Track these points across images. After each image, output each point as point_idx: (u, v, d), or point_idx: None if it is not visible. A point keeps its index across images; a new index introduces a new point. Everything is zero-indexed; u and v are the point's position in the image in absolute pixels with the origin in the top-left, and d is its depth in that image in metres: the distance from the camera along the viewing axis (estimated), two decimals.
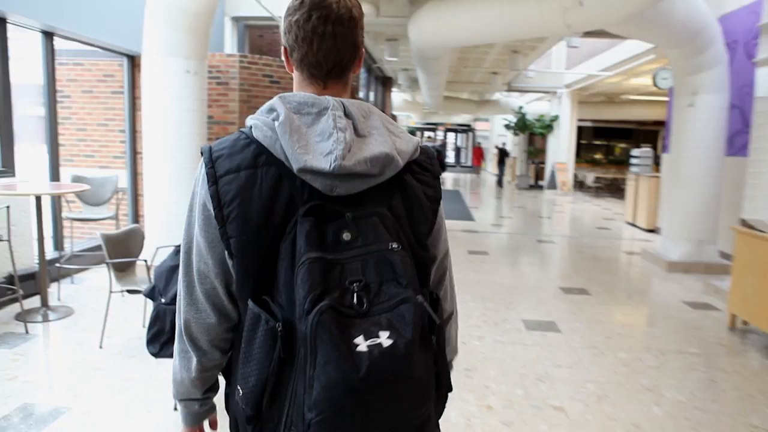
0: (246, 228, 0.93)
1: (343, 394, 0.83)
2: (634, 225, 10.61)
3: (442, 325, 1.05)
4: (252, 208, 0.93)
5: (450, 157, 34.71)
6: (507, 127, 19.70)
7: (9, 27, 4.76)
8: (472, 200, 14.64)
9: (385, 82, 17.27)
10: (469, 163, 33.43)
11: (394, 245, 0.91)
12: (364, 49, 1.10)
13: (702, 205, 6.88)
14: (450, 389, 1.08)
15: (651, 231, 10.00)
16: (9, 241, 3.74)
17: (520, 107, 19.34)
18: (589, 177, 18.16)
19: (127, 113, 6.44)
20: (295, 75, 1.07)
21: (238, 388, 0.96)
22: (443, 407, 1.14)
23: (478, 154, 27.96)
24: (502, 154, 20.57)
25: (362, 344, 0.84)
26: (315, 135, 0.94)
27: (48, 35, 5.14)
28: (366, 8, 7.98)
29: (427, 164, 1.06)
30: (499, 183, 19.64)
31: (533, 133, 19.06)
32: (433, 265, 1.10)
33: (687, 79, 6.82)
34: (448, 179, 22.70)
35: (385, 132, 0.98)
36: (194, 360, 1.06)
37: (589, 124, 22.03)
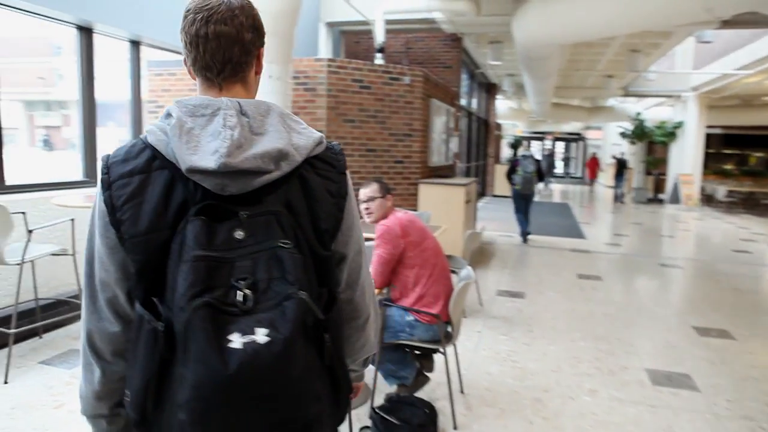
0: (137, 230, 0.94)
1: (211, 393, 0.82)
2: None
3: (337, 324, 1.03)
4: (143, 210, 0.94)
5: (558, 168, 32.85)
6: (623, 135, 18.08)
7: (97, 37, 4.71)
8: (582, 215, 13.42)
9: (489, 89, 16.47)
10: (579, 174, 31.45)
11: (285, 242, 0.91)
12: (262, 49, 1.09)
13: None
14: (350, 391, 1.06)
15: None
16: (74, 255, 3.55)
17: (638, 113, 17.68)
18: (720, 190, 16.11)
19: None
20: (197, 81, 1.07)
21: (126, 392, 0.95)
22: (344, 412, 1.08)
23: (594, 165, 24.59)
24: (621, 166, 18.24)
25: (236, 341, 0.83)
26: (207, 136, 0.94)
27: (135, 44, 5.05)
28: (466, 7, 7.36)
29: (332, 160, 1.06)
30: (617, 197, 17.51)
31: (653, 142, 17.30)
32: (342, 264, 1.09)
33: None
34: (555, 191, 21.31)
35: (281, 128, 0.99)
36: (98, 372, 1.03)
37: (718, 131, 19.66)
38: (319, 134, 1.04)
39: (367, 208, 2.98)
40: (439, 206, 6.53)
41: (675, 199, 15.67)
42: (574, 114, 19.63)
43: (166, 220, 0.93)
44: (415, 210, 6.69)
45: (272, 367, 0.83)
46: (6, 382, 3.19)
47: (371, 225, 3.01)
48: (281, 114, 1.01)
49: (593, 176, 24.27)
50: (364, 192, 2.99)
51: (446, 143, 8.30)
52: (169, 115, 0.97)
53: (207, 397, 0.83)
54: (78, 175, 4.71)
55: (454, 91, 9.06)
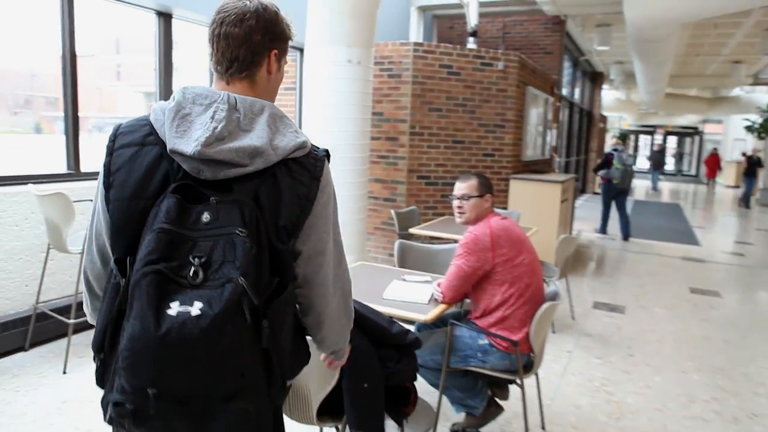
0: (121, 195, 1.06)
1: (141, 348, 0.93)
2: None
3: (281, 313, 1.08)
4: (131, 178, 1.06)
5: (669, 165, 30.29)
6: (749, 129, 16.14)
7: (176, 22, 4.62)
8: (697, 218, 12.08)
9: (594, 78, 15.30)
10: (692, 172, 28.79)
11: (241, 231, 0.99)
12: (275, 51, 1.18)
13: None
14: (284, 377, 1.13)
15: None
16: None
17: None
18: None
19: (297, 111, 6.13)
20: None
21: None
22: (282, 397, 1.19)
23: (714, 162, 21.27)
24: (753, 164, 15.38)
25: (174, 309, 0.93)
26: (197, 124, 1.05)
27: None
28: None
29: (309, 165, 1.14)
30: (745, 200, 14.96)
31: None
32: (298, 260, 1.14)
33: None
34: (664, 190, 19.54)
35: (266, 128, 1.08)
36: (88, 301, 1.23)
37: None
38: (303, 140, 1.12)
39: (459, 207, 2.59)
40: (532, 205, 5.96)
41: None
42: (691, 105, 17.85)
43: (147, 191, 1.05)
44: (504, 209, 6.15)
45: (195, 338, 0.92)
46: (65, 372, 3.13)
47: (460, 226, 2.64)
48: (273, 115, 1.12)
49: (712, 174, 21.16)
50: (459, 187, 2.60)
51: (543, 136, 7.63)
52: (173, 97, 1.09)
53: (137, 350, 0.93)
54: None
55: (554, 79, 8.33)
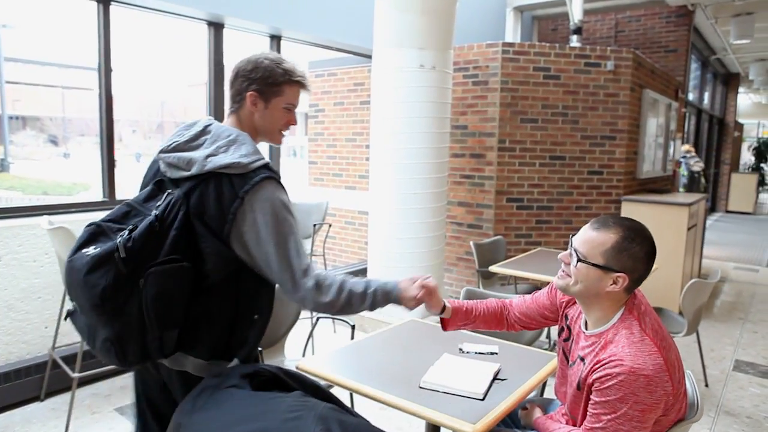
0: (144, 181, 1.56)
1: (65, 272, 1.35)
2: None
3: (160, 278, 1.32)
4: (146, 172, 1.57)
5: None
6: None
7: (230, 32, 4.22)
8: None
9: (728, 80, 13.37)
10: None
11: (156, 212, 1.37)
12: (252, 94, 1.54)
13: None
14: (156, 332, 1.35)
15: None
16: None
17: None
18: None
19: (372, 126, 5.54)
20: None
21: None
22: (160, 353, 1.40)
23: None
24: None
25: (89, 249, 1.33)
26: (174, 137, 1.51)
27: (275, 39, 4.47)
28: None
29: (236, 184, 1.40)
30: None
31: None
32: (239, 253, 1.44)
33: None
34: None
35: (213, 147, 1.44)
36: None
37: None
38: (240, 161, 1.42)
39: (564, 264, 1.55)
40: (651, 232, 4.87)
41: None
42: None
43: (146, 179, 1.55)
44: None
45: (77, 268, 1.31)
46: None
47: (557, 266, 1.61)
48: (232, 140, 1.47)
49: None
50: (581, 235, 1.53)
51: (664, 148, 6.44)
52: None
53: (65, 273, 1.36)
54: None
55: (678, 81, 7.07)
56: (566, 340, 1.68)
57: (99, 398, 3.04)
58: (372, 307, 1.56)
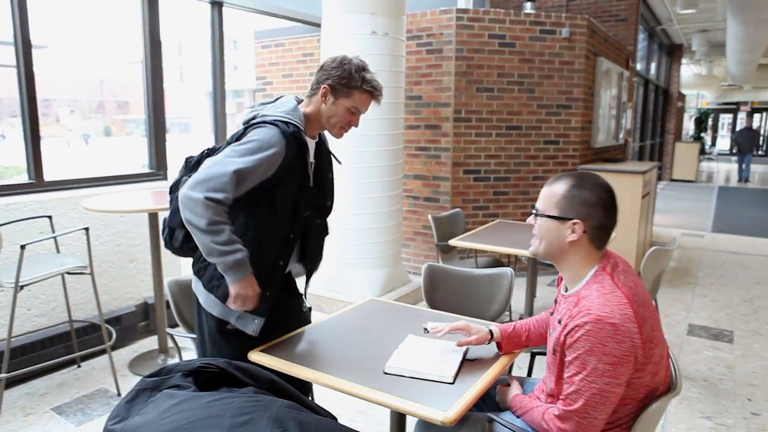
0: None
1: None
2: None
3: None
4: None
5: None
6: None
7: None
8: None
9: (672, 51, 13.65)
10: None
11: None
12: (326, 87, 1.77)
13: None
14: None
15: None
16: (92, 274, 2.72)
17: None
18: None
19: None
20: None
21: None
22: (176, 239, 1.83)
23: None
24: None
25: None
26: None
27: (216, 5, 4.17)
28: None
29: (247, 128, 1.72)
30: None
31: None
32: None
33: None
34: (754, 174, 17.44)
35: (262, 107, 1.78)
36: None
37: None
38: (255, 115, 1.74)
39: (532, 226, 1.57)
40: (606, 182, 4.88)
41: None
42: None
43: None
44: None
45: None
46: None
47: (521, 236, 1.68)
48: (279, 104, 1.77)
49: None
50: (541, 195, 1.55)
51: (617, 118, 6.48)
52: None
53: None
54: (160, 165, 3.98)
55: (629, 50, 7.11)
56: (552, 314, 1.62)
57: (33, 398, 2.79)
58: (221, 266, 1.64)
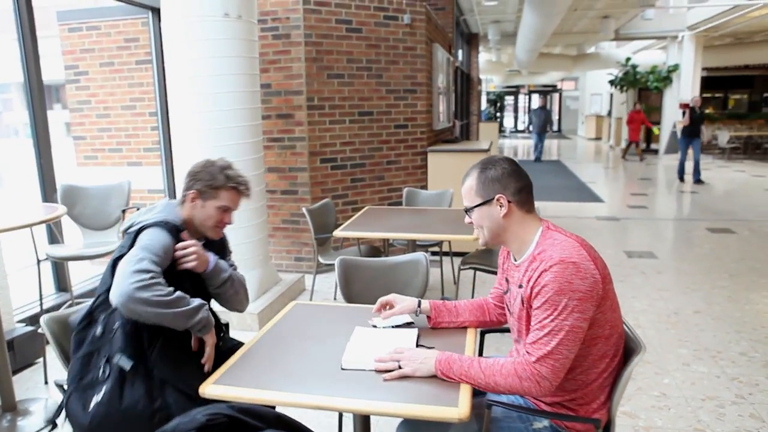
0: None
1: None
2: None
3: None
4: None
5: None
6: (612, 83, 16.86)
7: None
8: (582, 173, 12.23)
9: (471, 40, 14.95)
10: (555, 128, 30.29)
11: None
12: (193, 192, 1.87)
13: None
14: None
15: None
16: None
17: (628, 59, 16.42)
18: (722, 136, 15.11)
19: (157, 89, 4.76)
20: None
21: None
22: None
23: (638, 123, 14.59)
24: (697, 122, 10.17)
25: None
26: None
27: None
28: None
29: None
30: (684, 172, 10.59)
31: (645, 89, 16.12)
32: None
33: None
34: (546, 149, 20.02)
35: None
36: None
37: (704, 73, 18.63)
38: (131, 221, 1.83)
39: (470, 224, 1.65)
40: (455, 180, 5.15)
41: (673, 148, 14.62)
42: (558, 63, 18.34)
43: None
44: (424, 188, 5.31)
45: None
46: None
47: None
48: (159, 205, 1.88)
49: (636, 137, 14.78)
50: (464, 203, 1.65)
51: (447, 101, 6.88)
52: None
53: None
54: None
55: (450, 37, 7.59)
56: (506, 292, 1.67)
57: None
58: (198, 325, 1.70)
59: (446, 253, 4.56)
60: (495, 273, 3.54)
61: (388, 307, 1.83)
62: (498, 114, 22.78)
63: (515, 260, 1.60)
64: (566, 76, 27.39)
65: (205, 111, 3.56)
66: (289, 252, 4.91)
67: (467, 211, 1.60)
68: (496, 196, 1.54)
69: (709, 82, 19.94)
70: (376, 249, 3.98)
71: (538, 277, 1.43)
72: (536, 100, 32.80)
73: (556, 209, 7.82)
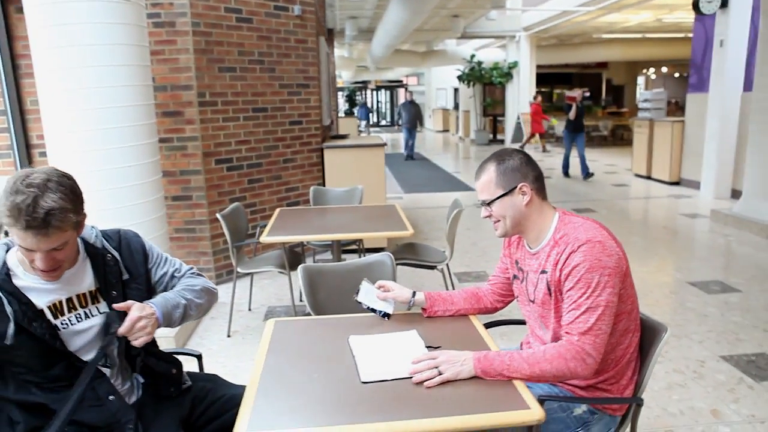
0: None
1: None
2: (650, 178, 9.26)
3: None
4: None
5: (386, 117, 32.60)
6: (460, 78, 17.92)
7: None
8: (445, 164, 12.83)
9: (328, 35, 14.87)
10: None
11: None
12: None
13: None
14: None
15: (675, 184, 8.70)
16: None
17: (473, 55, 17.58)
18: (560, 126, 16.83)
19: (4, 83, 4.00)
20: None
21: None
22: None
23: (539, 117, 14.09)
24: (581, 115, 9.62)
25: None
26: None
27: None
28: None
29: None
30: (568, 167, 10.31)
31: (490, 84, 17.39)
32: None
33: None
34: (389, 141, 20.69)
35: None
36: None
37: (537, 70, 20.68)
38: None
39: (488, 217, 1.65)
40: (352, 176, 5.07)
41: (518, 138, 15.97)
42: (409, 59, 19.01)
43: None
44: (321, 185, 5.16)
45: None
46: None
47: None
48: None
49: (540, 129, 14.29)
50: (478, 189, 1.65)
51: (329, 96, 6.75)
52: None
53: None
54: None
55: (327, 30, 7.44)
56: (521, 281, 1.69)
57: None
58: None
59: (357, 250, 4.46)
60: (428, 267, 3.54)
61: (382, 289, 1.80)
62: (353, 109, 23.14)
63: (530, 248, 1.63)
64: (412, 72, 28.61)
65: (88, 109, 3.05)
66: (187, 263, 4.44)
67: (488, 204, 1.59)
68: (519, 185, 1.56)
69: (540, 78, 22.24)
70: (296, 254, 3.76)
71: (567, 258, 1.47)
72: (384, 96, 33.94)
73: (436, 200, 8.09)
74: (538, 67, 16.82)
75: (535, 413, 1.24)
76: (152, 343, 1.61)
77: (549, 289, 1.53)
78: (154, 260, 1.66)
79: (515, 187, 1.56)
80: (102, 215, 3.12)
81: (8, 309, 1.33)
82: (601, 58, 18.63)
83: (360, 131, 18.06)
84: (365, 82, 32.66)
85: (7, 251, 1.42)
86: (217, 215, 3.43)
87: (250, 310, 3.96)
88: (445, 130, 24.70)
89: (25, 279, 1.40)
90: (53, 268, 1.35)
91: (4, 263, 1.39)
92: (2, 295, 1.33)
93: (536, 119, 14.03)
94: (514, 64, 16.08)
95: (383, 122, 33.15)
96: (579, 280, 1.44)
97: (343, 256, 3.71)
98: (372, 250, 5.10)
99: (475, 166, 9.82)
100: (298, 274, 2.20)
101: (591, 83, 22.16)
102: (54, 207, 1.26)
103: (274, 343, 1.66)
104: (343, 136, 6.22)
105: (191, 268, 1.76)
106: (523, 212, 1.57)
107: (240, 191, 4.61)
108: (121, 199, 3.24)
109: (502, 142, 17.44)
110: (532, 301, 1.62)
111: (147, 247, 1.65)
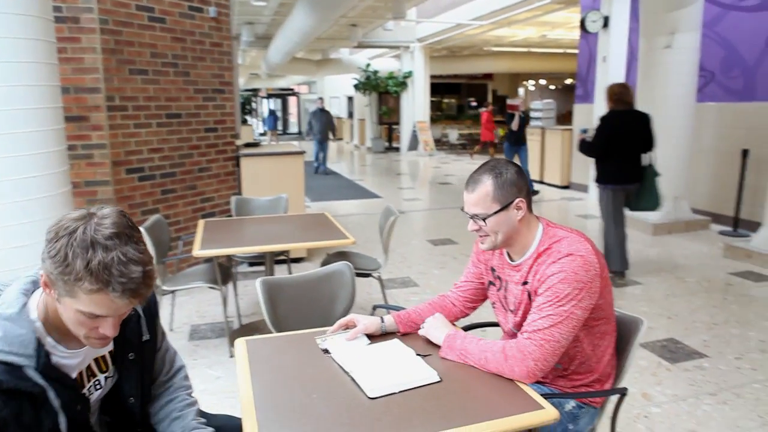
0: None
1: None
2: (542, 182, 9.93)
3: None
4: None
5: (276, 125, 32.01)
6: (356, 87, 18.09)
7: None
8: (346, 172, 12.85)
9: None
10: (296, 130, 31.22)
11: None
12: (44, 276, 1.08)
13: (677, 158, 6.14)
14: None
15: (566, 187, 9.41)
16: None
17: (368, 65, 17.83)
18: (453, 134, 17.56)
19: None
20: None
21: None
22: None
23: (491, 125, 14.11)
24: (523, 126, 8.68)
25: None
26: None
27: None
28: None
29: None
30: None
31: (385, 92, 17.73)
32: None
33: (662, 17, 5.87)
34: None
35: None
36: None
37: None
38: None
39: (476, 230, 1.61)
40: (271, 184, 4.92)
41: (414, 146, 16.42)
42: (303, 67, 18.84)
43: None
44: (238, 194, 4.96)
45: None
46: None
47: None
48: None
49: (491, 137, 14.06)
50: (467, 201, 1.60)
51: (238, 103, 6.51)
52: None
53: None
54: None
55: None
56: (499, 289, 1.70)
57: None
58: None
59: (285, 261, 4.34)
60: (363, 275, 3.51)
61: (348, 327, 1.72)
62: (246, 117, 22.57)
63: (512, 260, 1.63)
64: (306, 80, 28.42)
65: None
66: None
67: (483, 219, 1.54)
68: (516, 200, 1.54)
69: (431, 88, 23.08)
70: (225, 267, 3.57)
71: (546, 268, 1.49)
72: (275, 104, 33.33)
73: (345, 208, 8.07)
74: (432, 77, 17.46)
75: (551, 412, 1.28)
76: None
77: (530, 299, 1.55)
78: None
79: (512, 202, 1.53)
80: (1, 233, 2.77)
81: (56, 403, 1.09)
82: (489, 70, 19.67)
83: (256, 140, 17.65)
84: (256, 90, 31.94)
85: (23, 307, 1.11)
86: (141, 228, 3.16)
87: (171, 330, 3.69)
88: (339, 139, 24.75)
89: (56, 351, 1.13)
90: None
91: (38, 341, 1.08)
92: (46, 384, 1.06)
93: (488, 127, 13.98)
94: (409, 74, 16.52)
95: (278, 131, 32.60)
96: (549, 288, 1.46)
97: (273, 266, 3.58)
98: (296, 260, 5.01)
99: (374, 173, 10.07)
100: (256, 288, 2.09)
101: (477, 93, 23.30)
102: (146, 261, 1.03)
103: (255, 366, 1.56)
104: (255, 144, 6.02)
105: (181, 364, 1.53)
106: (515, 227, 1.56)
107: (153, 203, 4.30)
108: (26, 214, 2.89)
109: (397, 149, 17.83)
110: (512, 311, 1.63)
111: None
